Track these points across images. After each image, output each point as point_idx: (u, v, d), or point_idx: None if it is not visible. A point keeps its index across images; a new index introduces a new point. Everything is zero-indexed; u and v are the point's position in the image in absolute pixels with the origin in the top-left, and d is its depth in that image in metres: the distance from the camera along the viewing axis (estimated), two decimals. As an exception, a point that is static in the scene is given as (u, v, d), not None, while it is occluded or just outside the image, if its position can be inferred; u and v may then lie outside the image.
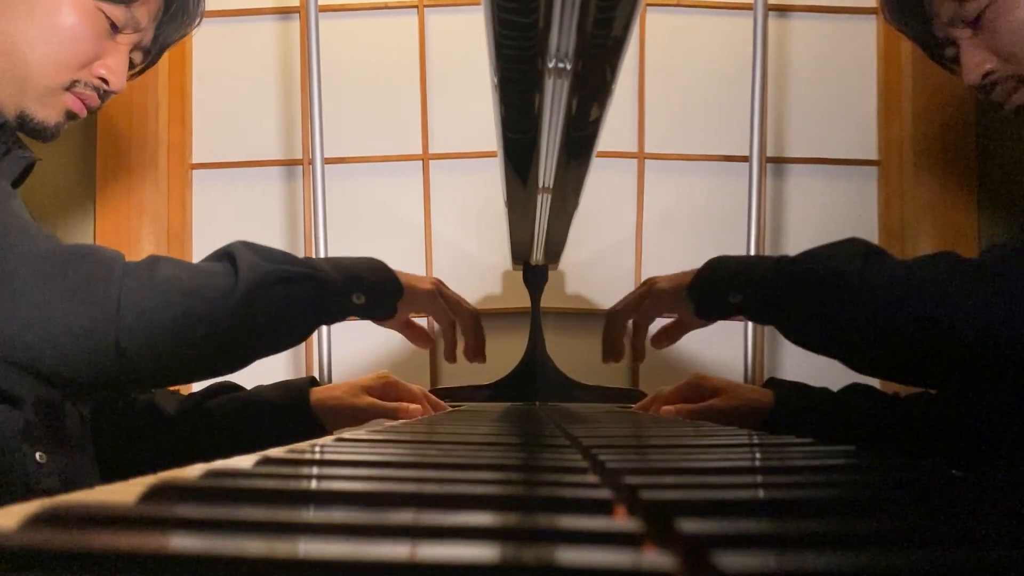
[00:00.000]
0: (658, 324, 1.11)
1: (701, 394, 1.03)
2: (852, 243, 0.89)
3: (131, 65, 1.04)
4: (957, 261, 0.82)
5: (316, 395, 1.03)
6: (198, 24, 1.10)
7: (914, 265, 0.84)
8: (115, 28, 0.98)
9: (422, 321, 1.14)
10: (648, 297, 1.04)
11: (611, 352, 1.10)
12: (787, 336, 0.93)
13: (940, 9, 0.99)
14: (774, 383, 1.09)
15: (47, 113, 0.96)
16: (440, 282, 1.05)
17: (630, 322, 1.10)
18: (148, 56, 1.06)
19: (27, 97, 0.95)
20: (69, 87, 0.97)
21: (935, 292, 0.79)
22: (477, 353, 1.09)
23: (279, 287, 0.85)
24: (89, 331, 0.76)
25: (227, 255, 0.87)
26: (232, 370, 0.92)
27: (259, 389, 1.06)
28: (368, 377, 1.06)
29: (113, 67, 0.98)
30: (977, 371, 0.80)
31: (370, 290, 0.93)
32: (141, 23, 1.00)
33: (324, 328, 1.40)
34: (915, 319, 0.80)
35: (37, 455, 0.87)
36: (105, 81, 0.98)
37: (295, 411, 1.02)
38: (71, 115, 0.99)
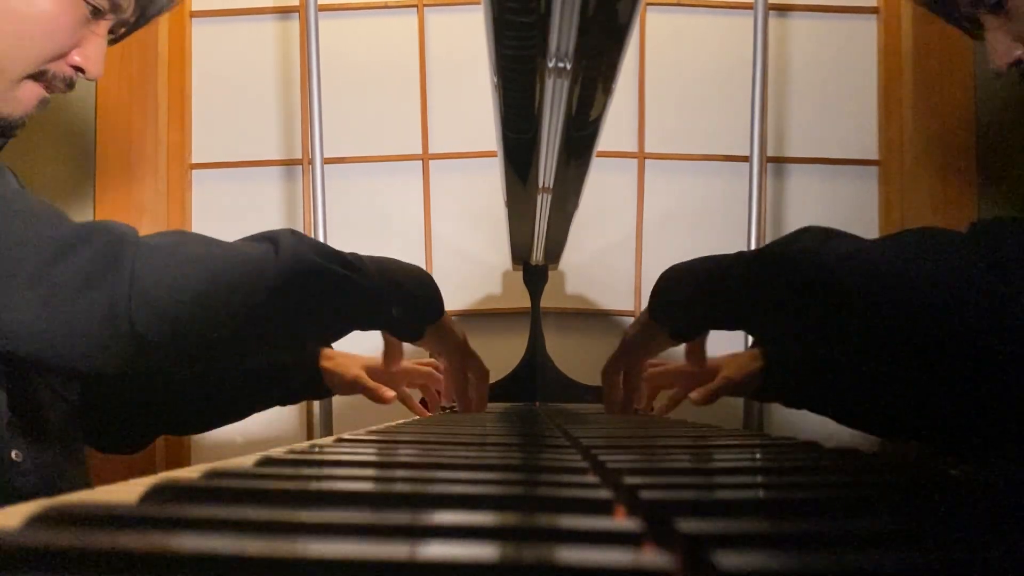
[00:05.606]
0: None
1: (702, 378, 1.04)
2: (808, 231, 0.81)
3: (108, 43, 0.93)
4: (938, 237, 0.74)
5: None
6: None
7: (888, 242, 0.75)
8: (97, 14, 0.89)
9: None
10: (621, 347, 0.97)
11: (613, 406, 1.01)
12: (762, 336, 0.88)
13: None
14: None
15: (11, 107, 0.87)
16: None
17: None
18: (126, 29, 0.96)
19: None
20: (37, 77, 0.87)
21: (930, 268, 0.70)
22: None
23: (315, 283, 0.79)
24: (97, 318, 0.70)
25: (270, 239, 0.81)
26: (256, 355, 0.94)
27: None
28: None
29: (91, 55, 0.89)
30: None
31: (409, 304, 0.86)
32: (122, 5, 0.90)
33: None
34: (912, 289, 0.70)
35: (13, 453, 0.82)
36: (81, 70, 0.89)
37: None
38: (42, 102, 0.89)
